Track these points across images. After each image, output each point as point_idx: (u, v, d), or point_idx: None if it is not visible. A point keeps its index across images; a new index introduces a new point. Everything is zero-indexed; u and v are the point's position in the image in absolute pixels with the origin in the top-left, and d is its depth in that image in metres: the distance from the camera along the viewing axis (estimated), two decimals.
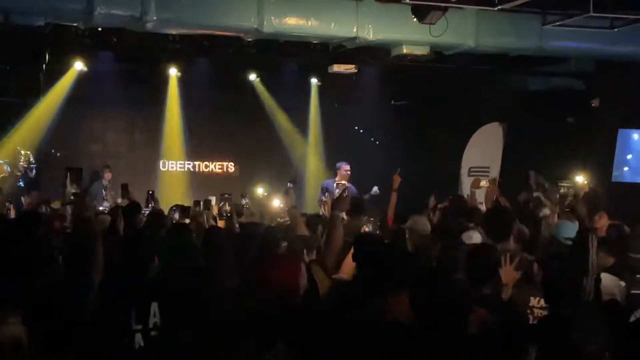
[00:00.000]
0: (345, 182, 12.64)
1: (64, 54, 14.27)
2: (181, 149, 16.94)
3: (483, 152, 15.64)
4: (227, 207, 9.67)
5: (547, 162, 13.66)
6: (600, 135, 13.99)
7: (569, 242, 6.57)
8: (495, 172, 14.84)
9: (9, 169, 14.49)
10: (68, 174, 9.82)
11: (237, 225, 8.91)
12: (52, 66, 14.47)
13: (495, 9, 11.34)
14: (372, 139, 17.56)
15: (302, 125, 17.48)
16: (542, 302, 5.58)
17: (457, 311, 4.32)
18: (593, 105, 14.70)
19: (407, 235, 7.59)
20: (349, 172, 13.02)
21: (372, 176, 13.56)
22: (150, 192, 11.36)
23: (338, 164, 13.27)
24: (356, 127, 17.75)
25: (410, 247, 7.29)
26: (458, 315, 4.28)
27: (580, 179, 10.13)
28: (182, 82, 16.12)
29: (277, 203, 9.81)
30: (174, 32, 11.92)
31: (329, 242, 6.06)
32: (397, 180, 9.92)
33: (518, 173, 14.07)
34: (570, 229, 7.07)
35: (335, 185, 12.37)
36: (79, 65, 14.80)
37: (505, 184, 14.54)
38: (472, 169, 15.49)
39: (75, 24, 11.20)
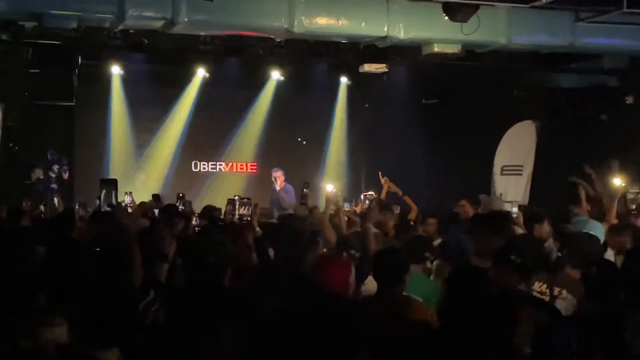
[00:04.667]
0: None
1: (96, 57, 14.36)
2: (212, 150, 16.97)
3: (516, 151, 15.52)
4: (245, 211, 9.56)
5: (581, 160, 13.53)
6: (635, 132, 13.82)
7: None
8: (528, 170, 14.74)
9: (42, 172, 14.63)
10: (102, 185, 9.75)
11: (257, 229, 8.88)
12: (84, 69, 14.57)
13: (528, 6, 11.27)
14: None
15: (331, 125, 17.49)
16: (544, 287, 5.69)
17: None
18: (627, 102, 14.54)
19: None
20: (275, 177, 14.31)
21: (404, 176, 13.49)
22: (181, 195, 11.33)
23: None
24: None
25: None
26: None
27: (618, 181, 10.05)
28: (212, 82, 16.16)
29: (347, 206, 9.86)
30: (204, 33, 11.95)
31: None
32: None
33: (551, 171, 13.98)
34: (599, 230, 6.99)
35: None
36: (115, 69, 14.97)
37: (538, 182, 14.51)
38: (504, 168, 15.39)
39: (107, 27, 11.27)
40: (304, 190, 9.77)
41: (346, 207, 10.65)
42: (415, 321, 4.51)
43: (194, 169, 17.04)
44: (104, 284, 3.90)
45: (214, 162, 17.21)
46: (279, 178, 14.35)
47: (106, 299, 3.74)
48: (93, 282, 4.00)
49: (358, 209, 10.65)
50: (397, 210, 10.14)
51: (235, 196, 10.78)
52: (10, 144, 13.76)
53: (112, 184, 7.90)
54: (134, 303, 4.01)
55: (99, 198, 9.09)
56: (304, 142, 17.29)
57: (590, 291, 5.00)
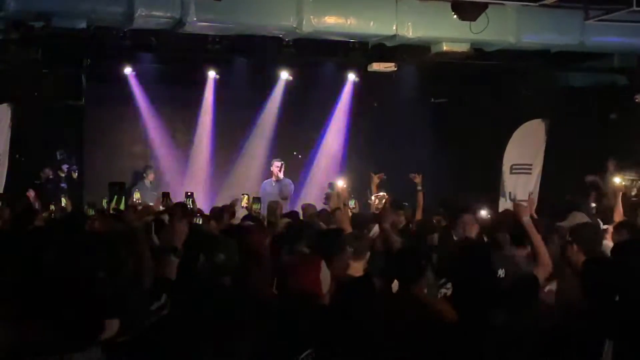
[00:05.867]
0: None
1: (105, 57, 14.38)
2: (222, 150, 16.95)
3: (525, 150, 15.45)
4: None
5: (590, 158, 13.51)
6: None
7: None
8: (537, 169, 14.69)
9: (51, 171, 14.65)
10: (110, 189, 9.68)
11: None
12: (93, 69, 14.59)
13: (537, 4, 11.26)
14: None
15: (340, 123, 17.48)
16: None
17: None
18: (637, 100, 14.50)
19: None
20: (276, 168, 14.57)
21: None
22: (189, 194, 11.34)
23: (271, 162, 14.81)
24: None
25: None
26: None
27: (618, 180, 10.08)
28: (221, 82, 16.14)
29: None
30: (213, 33, 11.96)
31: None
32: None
33: (560, 170, 13.95)
34: None
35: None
36: (127, 70, 15.00)
37: (548, 181, 14.48)
38: (514, 167, 15.33)
39: (116, 26, 11.30)
40: (328, 191, 9.81)
41: (351, 204, 10.66)
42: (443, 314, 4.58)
43: (204, 169, 17.01)
44: (76, 282, 3.81)
45: (224, 162, 17.16)
46: (282, 167, 14.69)
47: (76, 297, 3.65)
48: (64, 281, 3.89)
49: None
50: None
51: (253, 196, 10.88)
52: (15, 155, 13.76)
53: (120, 187, 7.92)
54: (113, 299, 3.92)
55: (108, 202, 9.09)
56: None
57: (588, 288, 4.96)
